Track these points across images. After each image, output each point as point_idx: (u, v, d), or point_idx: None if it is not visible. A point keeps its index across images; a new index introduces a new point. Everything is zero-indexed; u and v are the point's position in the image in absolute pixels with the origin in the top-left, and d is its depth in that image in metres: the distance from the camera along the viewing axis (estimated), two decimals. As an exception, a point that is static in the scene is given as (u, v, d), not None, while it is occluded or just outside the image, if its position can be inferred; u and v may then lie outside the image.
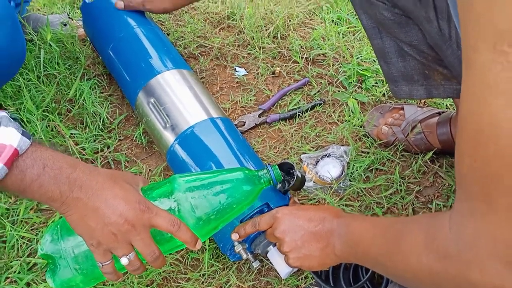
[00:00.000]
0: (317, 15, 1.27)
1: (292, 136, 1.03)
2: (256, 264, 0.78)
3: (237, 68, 1.16)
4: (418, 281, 0.46)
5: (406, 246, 0.46)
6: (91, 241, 0.58)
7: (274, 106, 1.10)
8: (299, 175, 0.77)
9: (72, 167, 0.57)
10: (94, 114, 1.02)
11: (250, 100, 1.10)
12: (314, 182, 0.95)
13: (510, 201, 0.33)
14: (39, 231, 0.86)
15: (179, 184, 0.65)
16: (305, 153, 1.00)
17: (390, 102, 1.09)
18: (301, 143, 1.02)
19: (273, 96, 1.11)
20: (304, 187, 0.94)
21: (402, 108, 1.05)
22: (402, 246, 0.46)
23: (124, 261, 0.59)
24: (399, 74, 0.88)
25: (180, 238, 0.61)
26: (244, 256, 0.74)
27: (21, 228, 0.85)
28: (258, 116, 1.07)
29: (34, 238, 0.85)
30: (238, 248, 0.74)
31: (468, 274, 0.38)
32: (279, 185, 0.77)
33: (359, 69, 1.13)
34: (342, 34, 1.21)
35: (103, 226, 0.57)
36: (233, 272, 0.82)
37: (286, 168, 0.77)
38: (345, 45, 1.18)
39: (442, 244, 0.41)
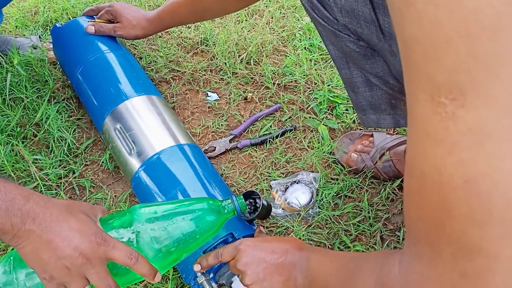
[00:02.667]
0: (290, 42, 1.28)
1: (262, 162, 1.03)
2: (221, 295, 0.76)
3: (209, 93, 1.15)
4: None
5: (358, 287, 0.45)
6: (43, 274, 0.56)
7: (246, 131, 1.09)
8: (265, 204, 0.76)
9: (25, 199, 0.55)
10: (59, 139, 1.00)
11: (222, 125, 1.10)
12: (283, 209, 0.95)
13: (454, 249, 0.33)
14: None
15: (139, 215, 0.64)
16: (275, 180, 1.00)
17: (360, 129, 1.10)
18: (271, 169, 1.02)
19: (244, 121, 1.10)
20: (273, 214, 0.94)
21: (372, 135, 1.06)
22: (355, 287, 0.46)
23: (78, 295, 0.57)
24: (367, 103, 0.89)
25: (138, 272, 0.60)
26: (207, 287, 0.72)
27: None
28: (229, 141, 1.07)
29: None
30: (201, 279, 0.72)
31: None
32: (244, 215, 0.76)
33: (330, 96, 1.14)
34: (314, 61, 1.23)
35: (56, 259, 0.56)
36: (197, 303, 0.80)
37: (252, 197, 0.76)
38: (316, 72, 1.19)
39: None
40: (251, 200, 0.77)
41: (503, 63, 0.27)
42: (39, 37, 1.27)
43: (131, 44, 1.24)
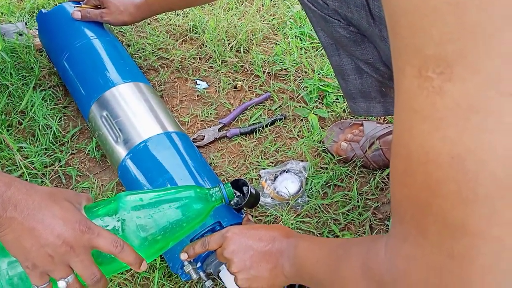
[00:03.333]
0: (280, 30, 1.27)
1: (251, 151, 1.02)
2: (208, 284, 0.76)
3: (198, 81, 1.14)
4: (358, 309, 0.45)
5: (345, 272, 0.45)
6: (26, 263, 0.55)
7: (235, 120, 1.08)
8: (253, 192, 0.75)
9: (6, 185, 0.54)
10: (45, 127, 0.98)
11: (211, 114, 1.08)
12: (272, 198, 0.94)
13: (440, 229, 0.33)
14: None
15: (125, 203, 0.63)
16: (264, 169, 0.99)
17: (350, 118, 1.09)
18: (261, 158, 1.01)
19: (234, 110, 1.09)
20: (262, 203, 0.93)
21: (362, 124, 1.05)
22: (341, 273, 0.45)
23: (61, 284, 0.56)
24: (357, 91, 0.88)
25: (123, 260, 0.58)
26: (194, 276, 0.72)
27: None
28: (218, 130, 1.06)
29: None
30: (188, 268, 0.71)
31: (402, 302, 0.37)
32: (232, 203, 0.75)
33: (320, 85, 1.13)
34: (305, 49, 1.22)
35: (39, 247, 0.54)
36: (185, 292, 0.80)
37: (240, 185, 0.76)
38: (307, 60, 1.18)
39: (378, 272, 0.40)
40: (239, 188, 0.76)
41: (491, 33, 0.27)
42: (25, 23, 1.24)
43: (119, 31, 1.22)
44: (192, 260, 0.73)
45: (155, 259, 0.81)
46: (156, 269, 0.80)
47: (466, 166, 0.29)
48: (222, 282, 0.78)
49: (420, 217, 0.33)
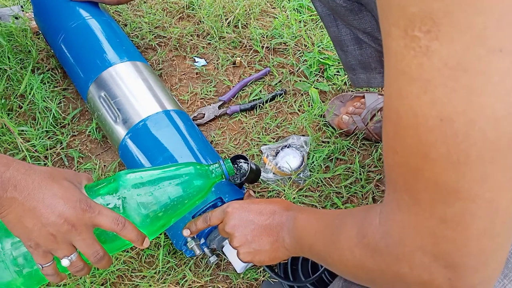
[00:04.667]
0: (278, 3, 1.25)
1: (252, 127, 1.02)
2: (213, 259, 0.76)
3: (197, 59, 1.13)
4: (355, 277, 0.45)
5: (341, 242, 0.45)
6: (29, 242, 0.56)
7: (235, 97, 1.08)
8: (253, 167, 0.75)
9: (5, 166, 0.54)
10: (45, 110, 0.98)
11: (210, 91, 1.08)
12: (273, 173, 0.94)
13: (432, 194, 0.32)
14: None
15: (125, 181, 0.63)
16: (265, 145, 0.99)
17: (351, 91, 1.08)
18: (262, 134, 1.00)
19: (233, 87, 1.08)
20: (263, 178, 0.93)
21: (364, 97, 1.04)
22: (338, 242, 0.45)
23: (65, 262, 0.57)
24: (357, 62, 0.87)
25: (125, 237, 0.59)
26: (198, 252, 0.72)
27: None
28: (218, 107, 1.05)
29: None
30: (191, 244, 0.72)
31: (397, 269, 0.37)
32: (234, 179, 0.75)
33: (320, 58, 1.11)
34: (304, 22, 1.20)
35: (40, 227, 0.55)
36: (189, 268, 0.81)
37: (240, 161, 0.75)
38: (306, 33, 1.17)
39: (372, 239, 0.40)
40: (239, 164, 0.76)
41: None
42: (21, 7, 1.23)
43: (115, 10, 1.21)
44: (195, 236, 0.73)
45: (159, 236, 0.82)
46: (161, 246, 0.81)
47: (456, 128, 0.29)
48: (226, 256, 0.79)
49: (412, 183, 0.33)
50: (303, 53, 1.14)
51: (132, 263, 0.81)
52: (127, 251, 0.81)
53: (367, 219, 0.41)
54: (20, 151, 0.92)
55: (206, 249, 0.77)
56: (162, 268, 0.80)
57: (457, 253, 0.33)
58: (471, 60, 0.27)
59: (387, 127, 0.33)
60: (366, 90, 1.06)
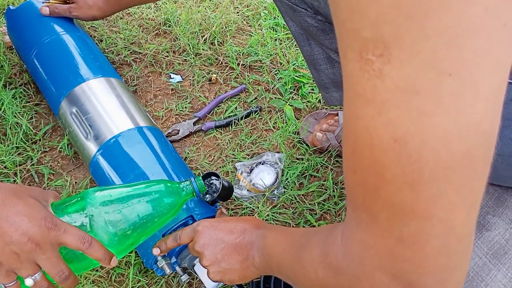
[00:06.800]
0: (254, 21, 1.26)
1: (227, 144, 1.02)
2: (184, 278, 0.75)
3: (172, 75, 1.13)
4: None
5: (306, 261, 0.45)
6: (-9, 261, 0.54)
7: (210, 113, 1.08)
8: (225, 184, 0.75)
9: (-32, 184, 0.53)
10: (15, 125, 0.97)
11: (185, 107, 1.07)
12: (248, 190, 0.94)
13: (389, 214, 0.33)
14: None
15: (93, 199, 0.62)
16: (240, 161, 0.99)
17: (325, 109, 1.09)
18: (237, 151, 1.01)
19: (209, 103, 1.09)
20: (238, 195, 0.93)
21: (337, 114, 1.06)
22: (303, 261, 0.45)
23: (29, 282, 0.55)
24: (329, 80, 0.88)
25: (92, 256, 0.58)
26: (168, 271, 0.71)
27: None
28: (193, 124, 1.05)
29: None
30: (161, 263, 0.71)
31: (359, 290, 0.37)
32: (205, 196, 0.75)
33: (295, 76, 1.13)
34: (279, 40, 1.21)
35: (4, 245, 0.53)
36: (161, 287, 0.79)
37: (212, 178, 0.75)
38: (281, 51, 1.18)
39: (334, 259, 0.40)
40: (211, 181, 0.75)
41: (427, 13, 0.26)
42: (-6, 20, 1.22)
43: (91, 26, 1.20)
44: (166, 255, 0.72)
45: (130, 255, 0.80)
46: (131, 265, 0.80)
47: (409, 148, 0.29)
48: (197, 275, 0.78)
49: (370, 202, 0.33)
50: (279, 70, 1.15)
51: (101, 282, 0.79)
52: (97, 270, 0.79)
53: (330, 238, 0.41)
54: (-12, 167, 0.90)
55: (177, 268, 0.76)
56: (132, 287, 0.78)
57: (415, 272, 0.33)
58: (422, 83, 0.28)
59: (346, 147, 0.34)
60: (340, 108, 1.08)
